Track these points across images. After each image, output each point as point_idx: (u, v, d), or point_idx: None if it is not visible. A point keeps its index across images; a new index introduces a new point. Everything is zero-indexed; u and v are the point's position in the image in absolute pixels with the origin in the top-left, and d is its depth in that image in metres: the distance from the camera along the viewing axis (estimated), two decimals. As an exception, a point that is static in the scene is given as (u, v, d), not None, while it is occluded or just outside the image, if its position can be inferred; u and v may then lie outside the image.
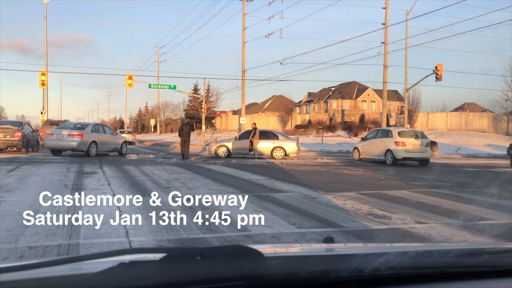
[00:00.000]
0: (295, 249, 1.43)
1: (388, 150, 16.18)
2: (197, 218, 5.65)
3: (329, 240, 1.45)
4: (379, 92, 49.08)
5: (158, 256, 0.87)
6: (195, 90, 50.47)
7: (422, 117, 40.60)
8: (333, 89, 62.37)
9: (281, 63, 30.63)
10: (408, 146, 15.87)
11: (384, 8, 27.94)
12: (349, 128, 42.64)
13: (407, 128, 21.82)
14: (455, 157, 24.29)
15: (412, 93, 38.75)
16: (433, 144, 17.18)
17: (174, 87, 33.54)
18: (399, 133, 16.28)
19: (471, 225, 5.50)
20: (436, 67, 25.14)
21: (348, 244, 3.83)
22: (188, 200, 7.05)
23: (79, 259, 0.97)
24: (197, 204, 6.69)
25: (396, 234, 5.00)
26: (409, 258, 1.00)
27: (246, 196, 7.40)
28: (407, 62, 28.77)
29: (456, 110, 56.98)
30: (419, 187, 9.39)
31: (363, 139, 18.78)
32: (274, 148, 18.41)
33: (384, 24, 27.77)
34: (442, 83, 29.21)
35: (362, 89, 60.06)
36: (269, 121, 46.05)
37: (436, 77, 25.10)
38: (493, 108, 46.63)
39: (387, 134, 16.98)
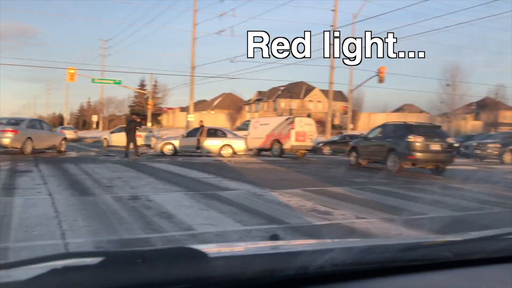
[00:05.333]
0: (241, 248, 1.42)
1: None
2: (140, 217, 5.52)
3: (274, 237, 1.45)
4: (325, 93, 50.28)
5: (96, 260, 0.82)
6: (142, 85, 49.31)
7: (364, 117, 42.19)
8: (282, 88, 63.23)
9: (231, 61, 30.56)
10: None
11: (333, 10, 28.68)
12: (296, 127, 43.35)
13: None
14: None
15: (356, 94, 40.19)
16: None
17: (119, 82, 32.58)
18: None
19: (406, 219, 5.77)
20: (379, 69, 26.19)
21: (293, 241, 3.89)
22: (131, 199, 6.88)
23: (5, 266, 0.89)
24: (140, 203, 6.54)
25: (338, 229, 5.15)
26: (353, 255, 1.01)
27: (192, 195, 7.36)
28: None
29: (396, 111, 59.67)
30: (360, 184, 9.73)
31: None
32: (222, 146, 18.35)
33: (332, 26, 28.50)
34: (384, 84, 30.51)
35: (309, 89, 61.36)
36: (218, 119, 45.93)
37: (379, 78, 26.14)
38: (429, 110, 49.35)
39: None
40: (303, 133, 19.29)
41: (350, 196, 7.77)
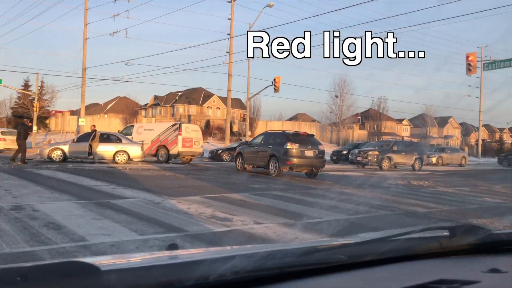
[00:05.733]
0: (137, 259, 1.34)
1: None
2: (24, 228, 5.04)
3: (173, 246, 1.41)
4: (224, 100, 50.84)
5: None
6: (26, 86, 45.05)
7: (262, 124, 43.54)
8: (180, 93, 62.45)
9: (126, 64, 29.37)
10: None
11: (230, 19, 29.15)
12: (195, 133, 43.18)
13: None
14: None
15: (253, 102, 41.30)
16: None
17: (-1, 81, 29.41)
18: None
19: (303, 223, 6.07)
20: (274, 79, 27.22)
21: (192, 250, 3.84)
22: (13, 209, 6.24)
23: None
24: (24, 213, 5.97)
25: (237, 235, 5.22)
26: (254, 261, 1.00)
27: (84, 203, 6.91)
28: (250, 72, 30.51)
29: (290, 119, 62.58)
30: (258, 190, 9.99)
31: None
32: (117, 152, 17.53)
33: (229, 34, 28.94)
34: (279, 94, 31.86)
35: (208, 95, 61.49)
36: (112, 123, 43.74)
37: (274, 88, 27.17)
38: (320, 119, 52.63)
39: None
40: (190, 139, 19.91)
41: (249, 202, 7.94)
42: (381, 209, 7.88)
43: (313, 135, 15.98)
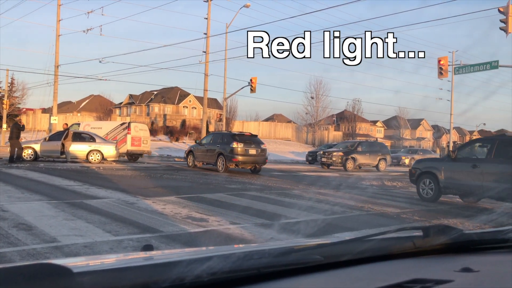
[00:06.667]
0: (111, 260, 1.30)
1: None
2: (-7, 230, 4.88)
3: (148, 247, 1.38)
4: (200, 99, 50.61)
5: None
6: (-5, 82, 43.74)
7: (238, 124, 43.45)
8: (155, 92, 61.78)
9: (100, 61, 28.65)
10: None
11: (206, 18, 29.00)
12: (171, 132, 42.81)
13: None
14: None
15: (230, 102, 41.25)
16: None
17: (-33, 77, 28.46)
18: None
19: (279, 224, 6.10)
20: (251, 80, 27.18)
21: (167, 250, 3.79)
22: (-18, 210, 6.04)
23: None
24: (-7, 214, 5.79)
25: (213, 236, 5.20)
26: (231, 263, 0.99)
27: (56, 204, 6.75)
28: (226, 72, 30.40)
29: (267, 120, 62.72)
30: (234, 190, 9.98)
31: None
32: (90, 151, 17.20)
33: (206, 34, 28.79)
34: (256, 94, 31.88)
35: (184, 95, 61.05)
36: (85, 122, 42.85)
37: (250, 88, 27.12)
38: (296, 120, 52.95)
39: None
40: (139, 138, 20.50)
41: (225, 203, 7.92)
42: (356, 209, 7.99)
43: (256, 135, 17.48)
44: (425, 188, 9.84)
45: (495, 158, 8.61)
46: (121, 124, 21.02)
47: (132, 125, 20.93)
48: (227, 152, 15.49)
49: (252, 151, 15.77)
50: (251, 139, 16.36)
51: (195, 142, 18.91)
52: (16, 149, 15.68)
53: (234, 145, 15.43)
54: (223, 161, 15.62)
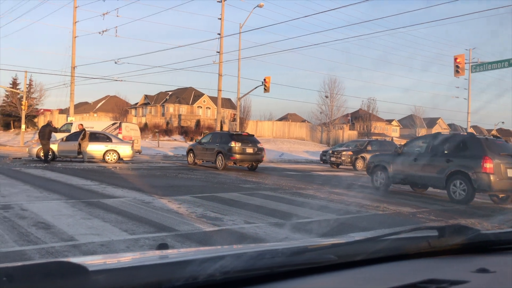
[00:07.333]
0: (127, 258, 1.32)
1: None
2: (13, 228, 4.99)
3: (163, 246, 1.40)
4: (214, 99, 50.78)
5: None
6: (14, 84, 44.58)
7: (252, 124, 43.45)
8: (170, 93, 62.17)
9: (116, 62, 29.05)
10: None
11: (220, 19, 29.08)
12: (186, 132, 43.03)
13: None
14: (274, 162, 26.59)
15: (244, 102, 41.29)
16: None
17: (-13, 79, 29.04)
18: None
19: (293, 223, 6.09)
20: (264, 79, 27.17)
21: (182, 249, 3.83)
22: (2, 208, 6.17)
23: None
24: (12, 212, 5.91)
25: (228, 235, 5.23)
26: (244, 262, 1.00)
27: (74, 203, 6.86)
28: (240, 72, 30.54)
29: (280, 119, 62.58)
30: (248, 190, 10.00)
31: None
32: (107, 151, 17.40)
33: (219, 34, 28.87)
34: (269, 94, 31.93)
35: (198, 95, 61.31)
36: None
37: (264, 88, 27.12)
38: (310, 119, 52.69)
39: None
40: (129, 138, 21.12)
41: (239, 202, 7.94)
42: (371, 209, 7.93)
43: (253, 135, 18.42)
44: (378, 179, 11.42)
45: (431, 152, 10.21)
46: (113, 124, 21.69)
47: (123, 125, 21.67)
48: (226, 150, 16.35)
49: (249, 150, 16.62)
50: (248, 139, 17.20)
51: (195, 141, 19.53)
52: (46, 149, 16.24)
53: (232, 144, 16.31)
54: (222, 159, 16.44)
